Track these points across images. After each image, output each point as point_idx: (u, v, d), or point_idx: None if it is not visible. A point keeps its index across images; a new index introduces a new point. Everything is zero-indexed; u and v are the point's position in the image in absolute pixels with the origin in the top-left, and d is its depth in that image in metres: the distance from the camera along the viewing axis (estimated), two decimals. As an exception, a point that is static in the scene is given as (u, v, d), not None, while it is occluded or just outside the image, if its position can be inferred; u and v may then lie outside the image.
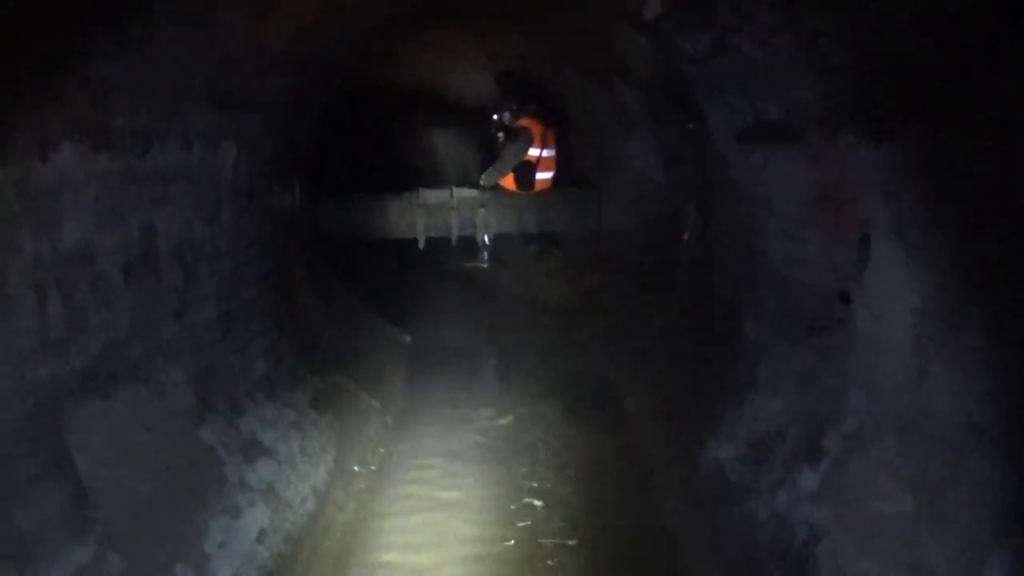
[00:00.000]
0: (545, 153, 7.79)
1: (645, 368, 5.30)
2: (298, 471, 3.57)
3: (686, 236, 5.58)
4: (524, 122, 7.74)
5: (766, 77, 3.63)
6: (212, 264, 3.73)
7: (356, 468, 4.05)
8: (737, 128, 4.28)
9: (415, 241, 7.59)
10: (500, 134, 7.95)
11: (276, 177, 4.96)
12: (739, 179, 4.49)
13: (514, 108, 7.85)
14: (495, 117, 8.01)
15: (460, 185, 7.96)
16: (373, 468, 4.19)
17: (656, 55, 5.27)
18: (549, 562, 3.44)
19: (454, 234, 7.64)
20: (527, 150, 7.68)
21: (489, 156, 8.13)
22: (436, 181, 8.98)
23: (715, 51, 4.06)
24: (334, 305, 6.07)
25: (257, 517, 3.13)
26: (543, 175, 7.86)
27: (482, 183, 7.79)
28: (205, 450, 3.07)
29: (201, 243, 3.62)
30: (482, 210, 7.59)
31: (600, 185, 7.68)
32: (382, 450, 4.44)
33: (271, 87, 4.29)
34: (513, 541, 3.59)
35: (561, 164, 8.06)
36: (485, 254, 8.46)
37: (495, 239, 8.35)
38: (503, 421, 4.98)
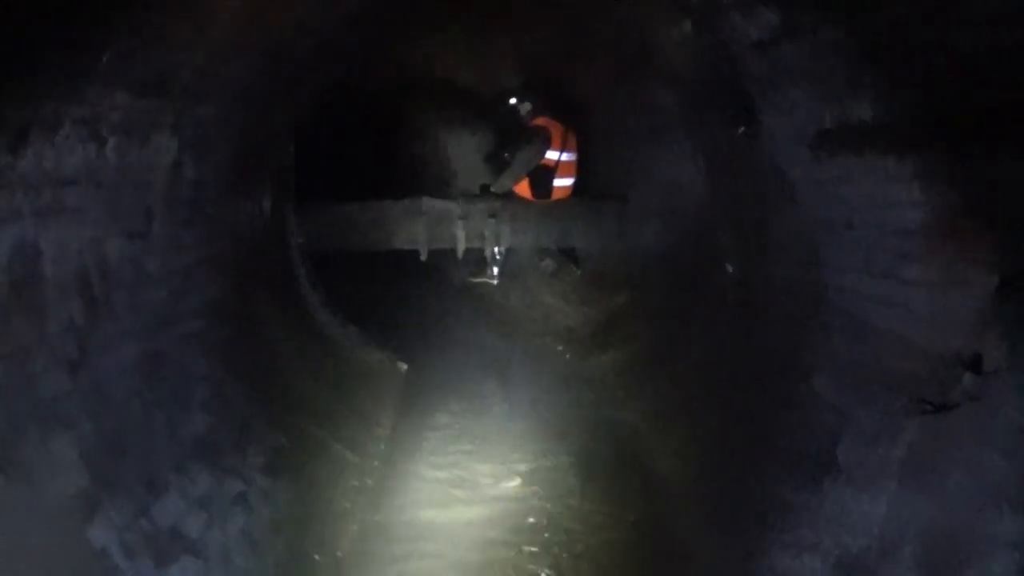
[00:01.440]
0: (565, 157, 6.98)
1: (676, 421, 4.50)
2: (232, 570, 2.77)
3: (730, 268, 4.76)
4: (542, 121, 6.93)
5: (856, 66, 2.82)
6: (135, 293, 2.95)
7: (316, 557, 3.23)
8: (806, 132, 3.47)
9: (416, 252, 6.81)
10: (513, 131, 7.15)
11: (239, 182, 4.18)
12: (804, 195, 3.69)
13: (532, 104, 7.04)
14: (512, 101, 7.19)
15: (469, 191, 7.17)
16: (339, 554, 3.37)
17: (699, 44, 4.47)
18: None
19: (460, 247, 6.87)
20: (545, 152, 6.88)
21: (502, 158, 7.31)
22: (442, 185, 8.18)
23: (783, 33, 3.26)
24: (311, 333, 5.29)
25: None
26: (562, 181, 7.05)
27: (493, 189, 7.03)
28: (92, 557, 2.28)
29: (118, 266, 2.84)
30: (492, 220, 6.81)
31: (625, 196, 6.85)
32: (355, 527, 3.62)
33: (228, 73, 3.50)
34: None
35: (582, 170, 7.24)
36: (495, 269, 7.64)
37: (507, 252, 7.54)
38: (509, 484, 4.17)
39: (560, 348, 6.53)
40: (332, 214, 6.64)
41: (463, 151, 8.58)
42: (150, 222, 3.04)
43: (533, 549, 3.57)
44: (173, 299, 3.27)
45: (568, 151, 7.02)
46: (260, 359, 4.17)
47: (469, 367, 6.11)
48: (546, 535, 3.68)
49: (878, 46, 2.73)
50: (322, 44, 4.66)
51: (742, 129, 4.56)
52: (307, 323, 5.41)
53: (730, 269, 4.80)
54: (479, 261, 7.62)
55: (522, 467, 4.37)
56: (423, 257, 6.84)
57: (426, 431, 4.88)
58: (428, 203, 6.77)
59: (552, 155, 6.92)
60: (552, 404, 5.34)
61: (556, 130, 6.91)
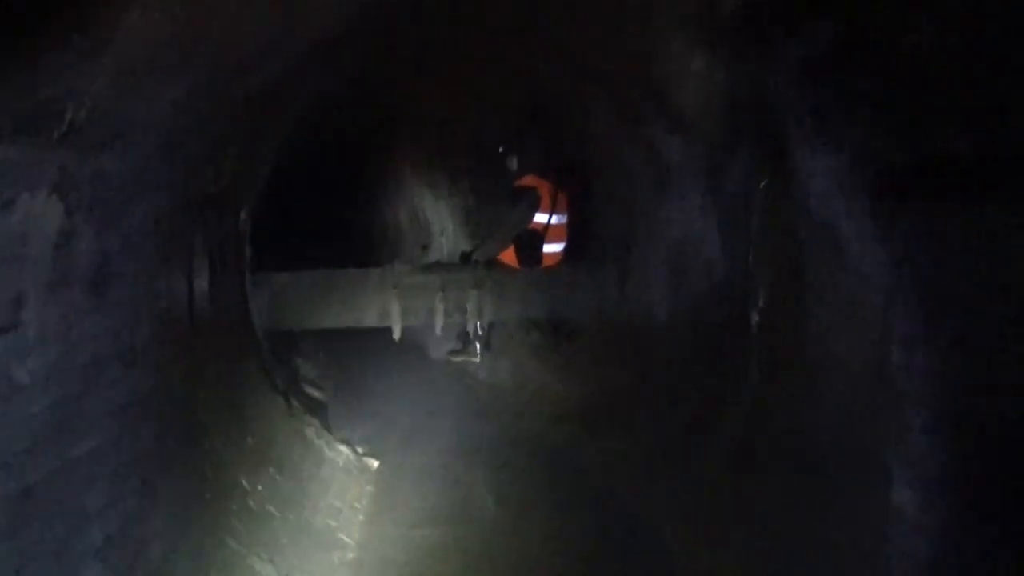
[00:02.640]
0: (555, 220, 6.32)
1: (705, 540, 3.75)
2: None
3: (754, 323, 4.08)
4: (529, 180, 6.27)
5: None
6: (-7, 409, 2.21)
7: None
8: (865, 174, 2.82)
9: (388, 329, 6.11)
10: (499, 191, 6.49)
11: (166, 253, 3.46)
12: (862, 258, 3.01)
13: (519, 160, 6.39)
14: (500, 150, 6.53)
15: (448, 259, 6.48)
16: None
17: (720, 75, 3.85)
18: None
19: (439, 323, 6.17)
20: (533, 216, 6.22)
21: (486, 222, 6.63)
22: (418, 252, 7.48)
23: (842, 50, 2.62)
24: (262, 432, 4.53)
25: None
26: (552, 247, 6.38)
27: (475, 257, 6.33)
28: None
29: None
30: (475, 292, 6.12)
31: (626, 260, 6.17)
32: None
33: (149, 110, 2.81)
34: None
35: (575, 233, 6.57)
36: (478, 345, 6.90)
37: (491, 326, 6.82)
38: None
39: (556, 436, 5.77)
40: (292, 286, 5.93)
41: (442, 213, 7.86)
42: (18, 312, 2.31)
43: None
44: (58, 412, 2.52)
45: (558, 213, 6.36)
46: (189, 473, 3.41)
47: (450, 462, 5.34)
48: None
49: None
50: (284, 75, 4.00)
51: (764, 182, 3.97)
52: (258, 419, 4.65)
53: (755, 335, 4.12)
54: (461, 335, 6.89)
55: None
56: (396, 336, 6.12)
57: (402, 549, 4.09)
58: (402, 273, 6.09)
59: (541, 218, 6.27)
60: (553, 515, 4.58)
61: (545, 190, 6.26)
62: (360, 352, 6.79)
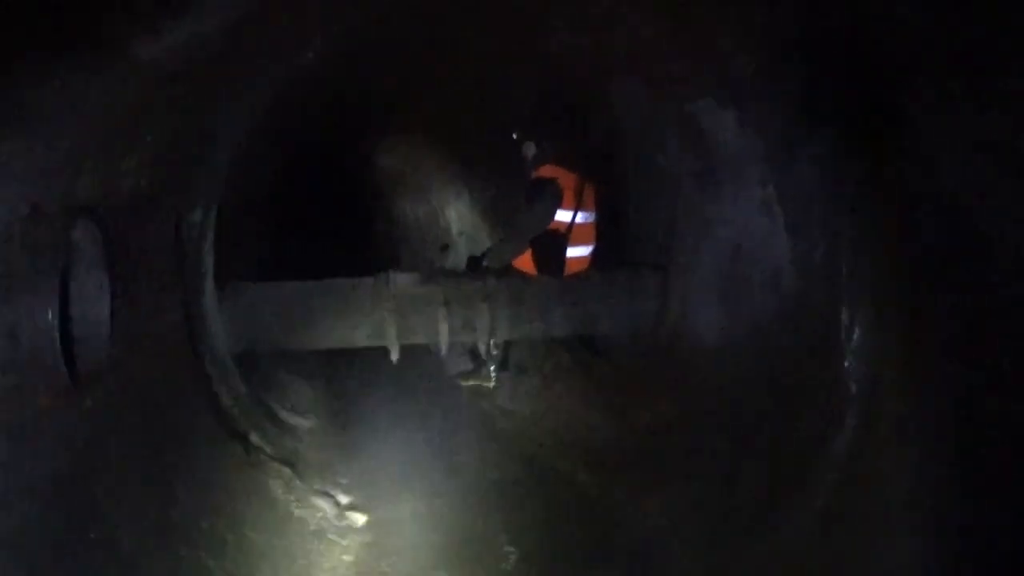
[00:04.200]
0: (581, 218, 5.39)
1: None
2: None
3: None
4: (550, 171, 5.35)
5: None
6: None
7: None
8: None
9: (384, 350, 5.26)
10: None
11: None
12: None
13: (538, 146, 5.48)
14: (514, 136, 5.64)
15: (454, 266, 5.58)
16: None
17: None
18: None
19: (444, 342, 5.33)
20: (554, 213, 5.29)
21: (499, 221, 5.71)
22: (417, 259, 6.58)
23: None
24: (223, 483, 3.65)
25: None
26: (578, 251, 5.45)
27: (486, 264, 5.46)
28: None
29: None
30: (485, 306, 5.25)
31: (668, 264, 5.23)
32: None
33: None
34: None
35: (605, 234, 5.64)
36: (492, 368, 5.98)
37: (506, 345, 5.90)
38: None
39: (582, 485, 4.85)
40: (266, 300, 5.09)
41: (446, 211, 6.94)
42: None
43: None
44: None
45: (584, 210, 5.43)
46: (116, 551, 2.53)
47: (455, 519, 4.45)
48: None
49: None
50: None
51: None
52: (217, 470, 3.77)
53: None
54: (473, 354, 5.97)
55: None
56: (393, 357, 5.27)
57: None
58: (398, 282, 5.21)
59: (564, 216, 5.34)
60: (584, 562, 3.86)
61: (569, 182, 5.33)
62: (351, 378, 5.93)
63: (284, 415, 5.42)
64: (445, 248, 7.34)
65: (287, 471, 4.33)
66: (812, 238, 3.58)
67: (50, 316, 2.55)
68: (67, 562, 2.51)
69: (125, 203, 3.15)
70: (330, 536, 4.03)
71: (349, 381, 6.17)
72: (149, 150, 3.20)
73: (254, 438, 4.41)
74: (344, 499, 4.48)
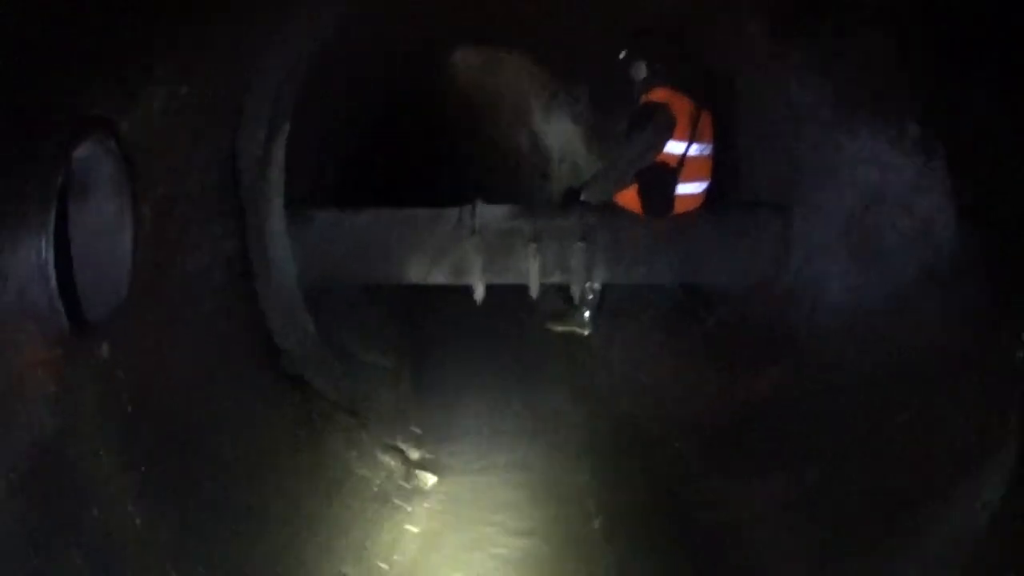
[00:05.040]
0: (694, 150, 4.80)
1: None
2: None
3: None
4: (661, 94, 4.76)
5: None
6: None
7: None
8: None
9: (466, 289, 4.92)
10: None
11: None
12: None
13: (649, 66, 4.89)
14: (620, 56, 5.00)
15: (546, 199, 5.28)
16: None
17: None
18: None
19: (534, 283, 4.91)
20: (664, 144, 4.72)
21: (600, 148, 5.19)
22: (505, 189, 6.11)
23: None
24: (278, 432, 3.32)
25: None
26: (689, 188, 4.86)
27: (584, 198, 4.96)
28: None
29: None
30: (582, 245, 4.81)
31: (791, 209, 4.64)
32: None
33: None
34: None
35: (722, 170, 5.04)
36: (587, 313, 5.51)
37: (604, 289, 5.41)
38: None
39: (680, 446, 4.37)
40: (340, 228, 4.76)
41: (538, 136, 6.41)
42: None
43: None
44: None
45: (700, 142, 4.83)
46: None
47: (538, 478, 4.07)
48: None
49: None
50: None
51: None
52: (263, 424, 3.44)
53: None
54: (566, 298, 5.50)
55: None
56: (477, 297, 4.88)
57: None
58: (484, 214, 4.80)
59: (675, 148, 4.74)
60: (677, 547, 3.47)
61: (683, 109, 4.73)
62: (436, 312, 5.58)
63: (362, 354, 5.11)
64: (544, 178, 6.89)
65: (352, 421, 3.98)
66: (974, 187, 2.96)
67: (43, 251, 2.17)
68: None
69: (156, 119, 2.75)
70: (395, 500, 3.67)
71: (428, 323, 5.79)
72: (183, 59, 2.79)
73: (318, 383, 4.07)
74: (415, 454, 4.14)
